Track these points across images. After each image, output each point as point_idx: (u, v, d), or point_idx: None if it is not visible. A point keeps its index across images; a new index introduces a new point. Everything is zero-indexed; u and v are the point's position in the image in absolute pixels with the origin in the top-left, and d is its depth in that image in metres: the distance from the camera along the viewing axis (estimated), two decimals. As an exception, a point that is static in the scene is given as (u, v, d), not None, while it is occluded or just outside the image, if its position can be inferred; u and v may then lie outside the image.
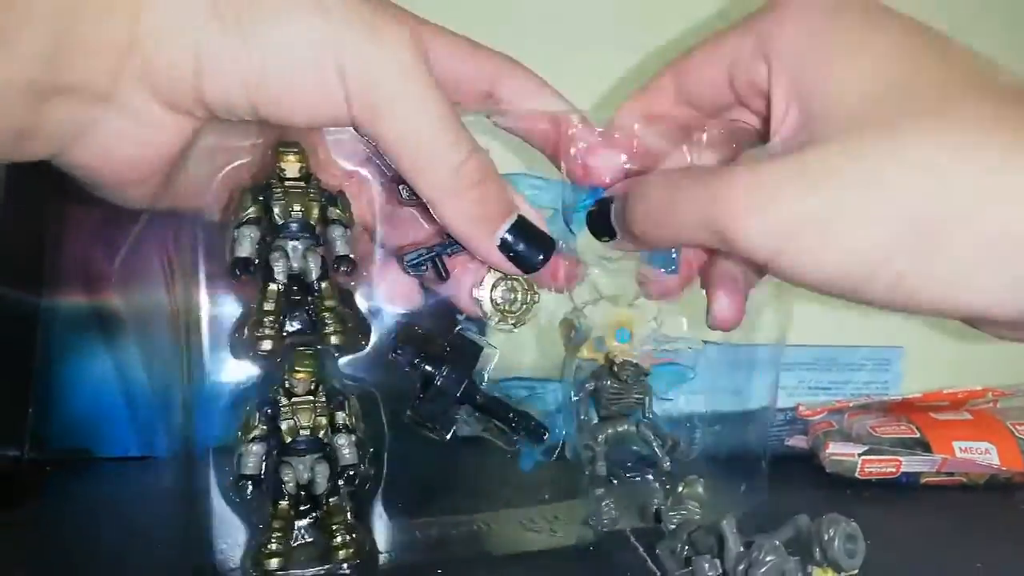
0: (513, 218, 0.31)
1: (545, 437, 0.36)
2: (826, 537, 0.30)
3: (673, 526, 0.35)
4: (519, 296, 0.34)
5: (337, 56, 0.26)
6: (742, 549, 0.29)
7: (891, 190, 0.24)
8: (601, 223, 0.32)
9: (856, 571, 0.30)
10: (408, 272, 0.33)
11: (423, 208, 0.31)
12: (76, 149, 0.27)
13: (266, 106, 0.27)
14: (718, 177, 0.26)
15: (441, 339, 0.35)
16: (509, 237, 0.31)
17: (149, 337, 0.46)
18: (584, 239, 0.35)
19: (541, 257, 0.32)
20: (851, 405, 0.53)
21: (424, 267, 0.33)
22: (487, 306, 0.34)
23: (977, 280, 0.24)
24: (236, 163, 0.31)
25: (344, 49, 0.26)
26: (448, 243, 0.32)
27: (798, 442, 0.54)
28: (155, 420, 0.52)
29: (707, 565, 0.29)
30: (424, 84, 0.27)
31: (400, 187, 0.31)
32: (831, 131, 0.25)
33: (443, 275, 0.33)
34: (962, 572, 0.34)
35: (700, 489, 0.37)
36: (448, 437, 0.35)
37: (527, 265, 0.32)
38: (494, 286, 0.34)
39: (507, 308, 0.34)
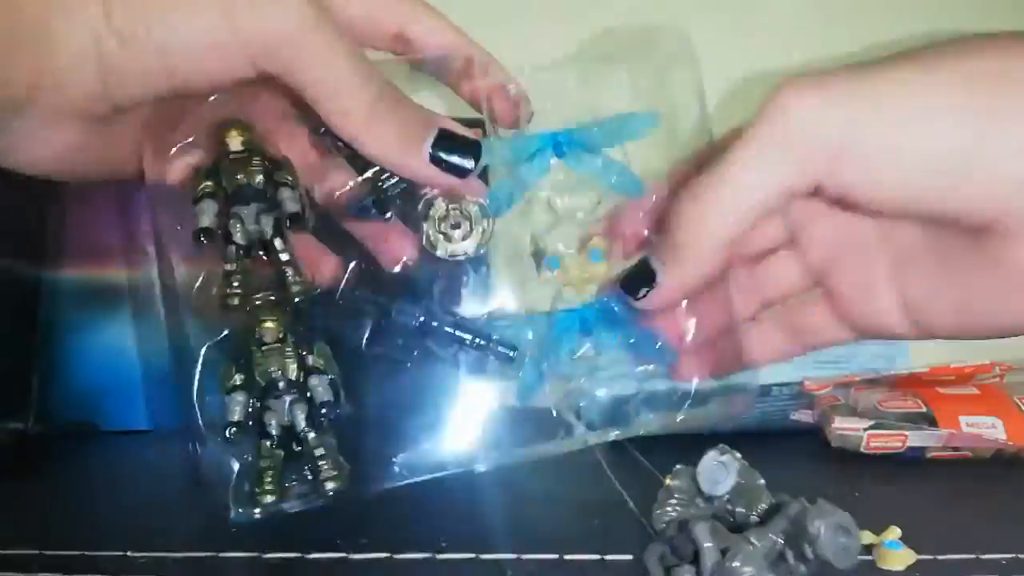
0: (435, 131, 0.32)
1: (513, 355, 0.35)
2: (812, 531, 0.29)
3: (663, 525, 0.33)
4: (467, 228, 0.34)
5: (236, 21, 0.27)
6: (718, 557, 0.28)
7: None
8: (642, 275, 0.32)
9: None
10: (353, 217, 0.34)
11: (352, 155, 0.32)
12: None
13: (180, 88, 0.28)
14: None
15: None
16: (437, 151, 0.32)
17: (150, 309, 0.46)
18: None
19: (472, 161, 0.32)
20: (857, 380, 0.53)
21: (370, 210, 0.34)
22: (437, 241, 0.34)
23: None
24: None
25: (240, 13, 0.27)
26: (385, 179, 0.33)
27: (804, 416, 0.54)
28: (160, 393, 0.52)
29: None
30: (325, 33, 0.28)
31: (325, 137, 0.33)
32: None
33: (385, 214, 0.34)
34: (968, 547, 0.33)
35: (692, 480, 0.35)
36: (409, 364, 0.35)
37: (460, 171, 0.32)
38: (443, 217, 0.34)
39: (459, 239, 0.34)
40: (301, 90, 0.29)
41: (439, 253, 0.34)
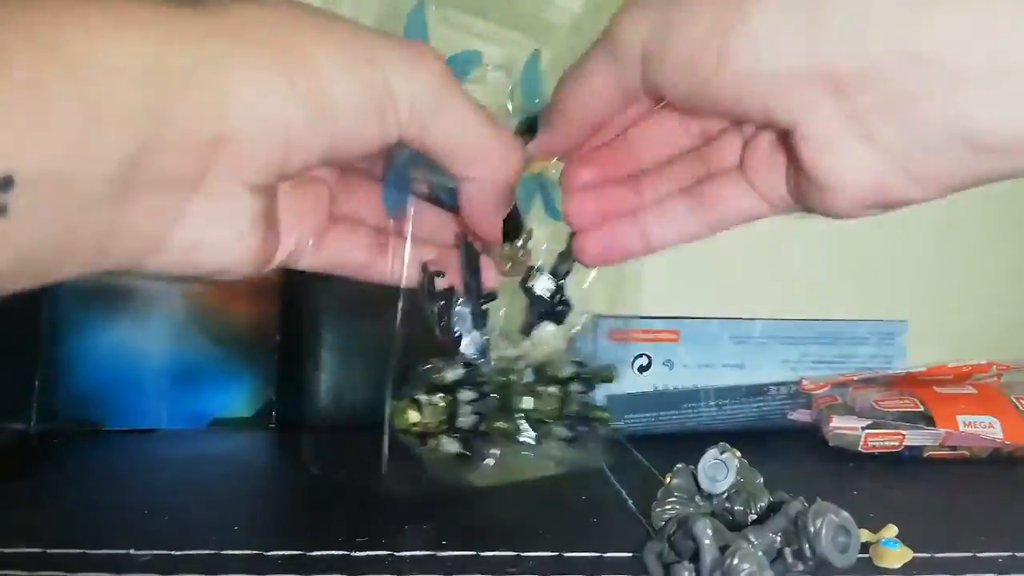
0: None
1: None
2: (812, 530, 0.29)
3: (662, 523, 0.33)
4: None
5: (391, 85, 0.28)
6: (718, 554, 0.28)
7: None
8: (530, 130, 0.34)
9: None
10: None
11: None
12: (165, 249, 0.26)
13: (336, 155, 0.28)
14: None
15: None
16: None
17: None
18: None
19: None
20: (855, 379, 0.53)
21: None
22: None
23: None
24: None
25: (393, 76, 0.28)
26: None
27: (801, 416, 0.54)
28: (162, 393, 0.52)
29: (686, 574, 0.28)
30: (461, 94, 0.30)
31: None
32: None
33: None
34: (964, 545, 0.34)
35: (690, 478, 0.36)
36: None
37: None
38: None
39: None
40: (433, 150, 0.30)
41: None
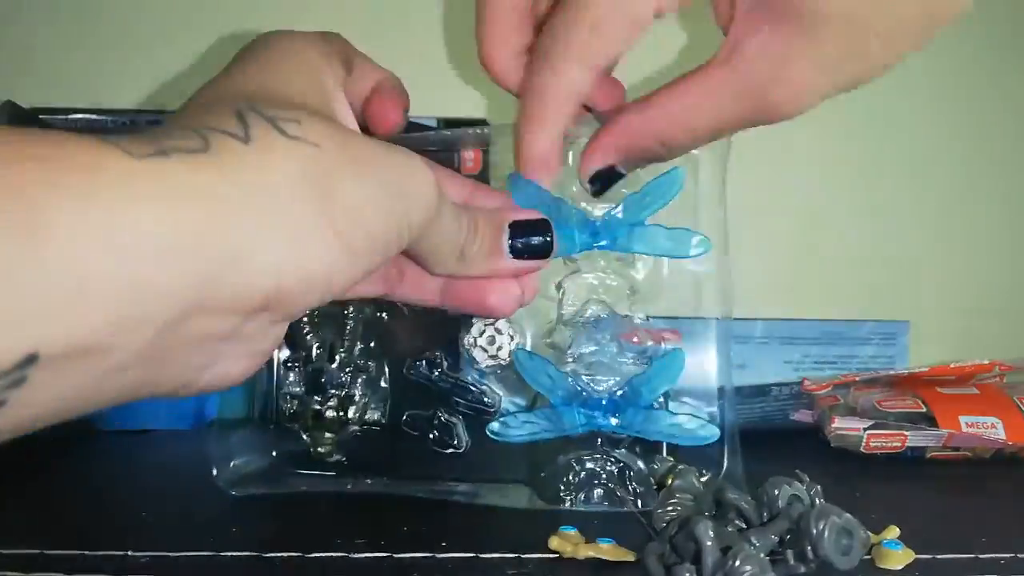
0: (507, 229, 0.33)
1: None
2: (814, 532, 0.29)
3: (663, 524, 0.32)
4: (501, 339, 0.40)
5: (408, 223, 0.28)
6: (719, 556, 0.28)
7: None
8: (612, 184, 0.34)
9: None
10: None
11: None
12: (188, 389, 0.26)
13: (363, 273, 0.28)
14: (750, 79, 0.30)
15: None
16: (515, 243, 0.33)
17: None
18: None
19: (548, 238, 0.33)
20: (857, 379, 0.53)
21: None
22: (478, 354, 0.40)
23: None
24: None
25: (412, 215, 0.28)
26: None
27: (803, 416, 0.54)
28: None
29: (688, 575, 0.28)
30: (447, 206, 0.30)
31: None
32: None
33: None
34: (967, 547, 0.34)
35: (694, 480, 0.36)
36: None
37: (541, 252, 0.33)
38: (480, 334, 0.39)
39: (495, 352, 0.40)
40: (418, 251, 0.30)
41: (480, 363, 0.40)
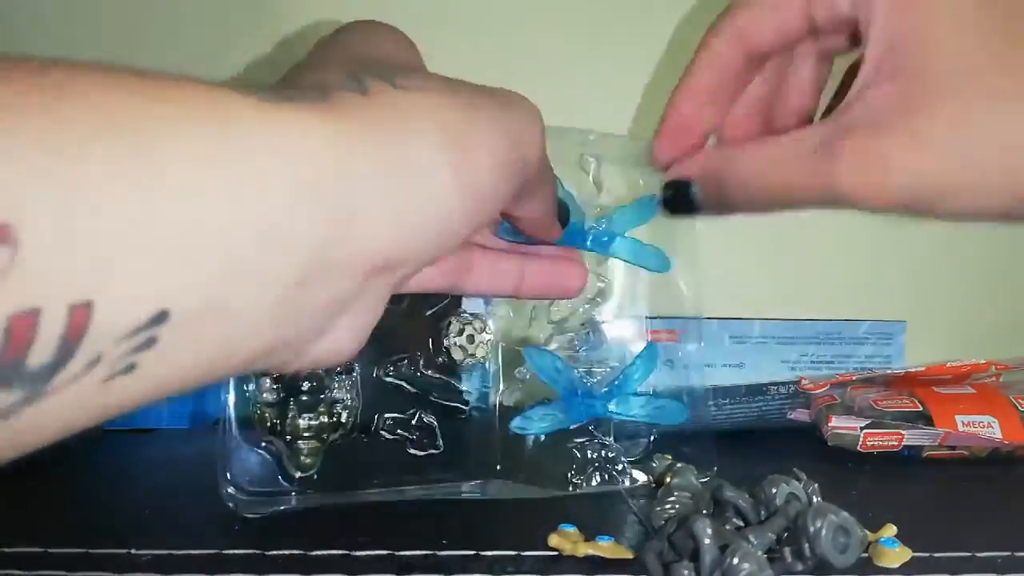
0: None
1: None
2: (812, 530, 0.29)
3: (662, 522, 0.33)
4: (480, 336, 0.41)
5: (524, 172, 0.28)
6: (718, 554, 0.28)
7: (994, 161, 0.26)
8: (681, 203, 0.34)
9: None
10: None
11: None
12: (309, 351, 0.25)
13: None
14: (830, 155, 0.28)
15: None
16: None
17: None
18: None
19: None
20: (854, 379, 0.53)
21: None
22: (456, 353, 0.41)
23: None
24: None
25: (528, 161, 0.28)
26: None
27: (800, 416, 0.54)
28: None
29: (686, 572, 0.28)
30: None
31: None
32: (933, 95, 0.26)
33: None
34: (963, 545, 0.34)
35: (692, 478, 0.36)
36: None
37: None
38: (459, 332, 0.41)
39: (472, 350, 0.41)
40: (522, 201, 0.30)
41: (457, 359, 0.41)
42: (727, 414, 0.53)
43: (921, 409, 0.49)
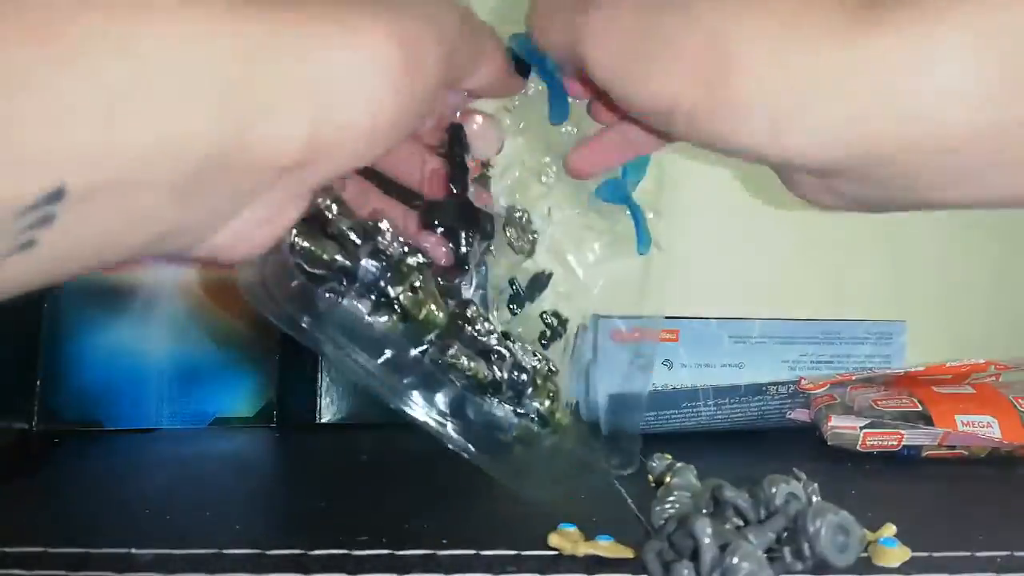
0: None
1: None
2: (811, 529, 0.29)
3: (662, 522, 0.33)
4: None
5: (459, 69, 0.29)
6: (717, 553, 0.28)
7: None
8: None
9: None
10: None
11: None
12: (207, 242, 0.25)
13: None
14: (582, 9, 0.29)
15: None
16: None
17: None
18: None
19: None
20: (853, 378, 0.53)
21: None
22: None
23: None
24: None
25: (459, 61, 0.29)
26: None
27: (800, 415, 0.54)
28: (163, 393, 0.52)
29: (686, 572, 0.28)
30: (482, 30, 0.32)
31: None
32: None
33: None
34: (963, 544, 0.34)
35: (692, 478, 0.36)
36: None
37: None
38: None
39: None
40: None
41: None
42: (727, 414, 0.53)
43: (921, 409, 0.49)
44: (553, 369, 0.39)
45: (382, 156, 0.26)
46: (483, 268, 0.41)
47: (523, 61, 0.36)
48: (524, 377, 0.37)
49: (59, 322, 0.51)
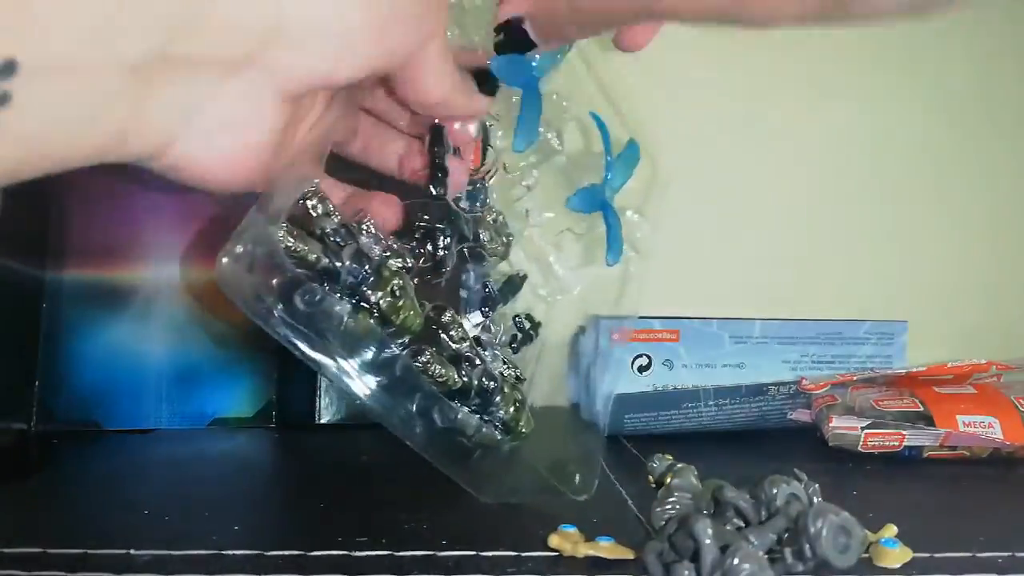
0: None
1: None
2: (812, 530, 0.29)
3: (662, 523, 0.32)
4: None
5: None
6: (718, 554, 0.28)
7: None
8: (515, 40, 0.33)
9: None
10: None
11: None
12: (176, 145, 0.24)
13: (381, 71, 0.27)
14: None
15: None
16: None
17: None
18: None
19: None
20: (855, 379, 0.53)
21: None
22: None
23: None
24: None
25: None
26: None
27: (801, 416, 0.54)
28: (162, 393, 0.52)
29: (687, 573, 0.28)
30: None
31: None
32: None
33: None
34: (964, 545, 0.34)
35: (693, 478, 0.36)
36: None
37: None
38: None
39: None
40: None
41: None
42: (727, 414, 0.53)
43: (922, 409, 0.49)
44: (521, 377, 0.40)
45: (361, 100, 0.27)
46: (482, 265, 0.41)
47: (491, 79, 0.34)
48: (492, 384, 0.37)
49: (58, 322, 0.51)
